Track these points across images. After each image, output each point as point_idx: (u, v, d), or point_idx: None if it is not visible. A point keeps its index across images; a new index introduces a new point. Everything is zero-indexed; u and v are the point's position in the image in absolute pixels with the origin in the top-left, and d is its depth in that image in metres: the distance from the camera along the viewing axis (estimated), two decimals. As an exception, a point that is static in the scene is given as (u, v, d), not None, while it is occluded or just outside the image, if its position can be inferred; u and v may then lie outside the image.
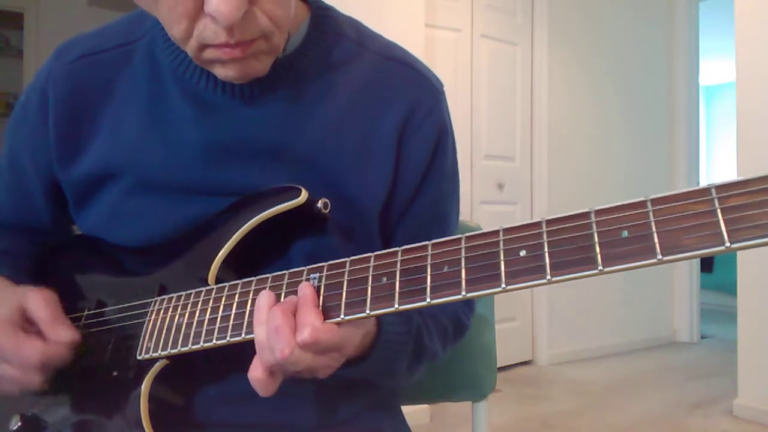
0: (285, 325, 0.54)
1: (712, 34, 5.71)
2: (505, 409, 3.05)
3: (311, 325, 0.54)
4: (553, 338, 3.97)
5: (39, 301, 0.66)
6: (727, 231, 0.39)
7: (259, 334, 0.55)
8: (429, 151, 0.75)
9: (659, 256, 0.40)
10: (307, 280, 0.58)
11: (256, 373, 0.56)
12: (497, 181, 3.77)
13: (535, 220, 0.47)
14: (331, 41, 0.75)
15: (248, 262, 0.69)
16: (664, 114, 4.57)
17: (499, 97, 3.78)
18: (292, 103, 0.72)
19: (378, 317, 0.61)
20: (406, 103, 0.74)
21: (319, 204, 0.66)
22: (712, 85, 8.44)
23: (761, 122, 2.84)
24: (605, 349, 4.16)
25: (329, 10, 0.77)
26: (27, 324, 0.66)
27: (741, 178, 0.39)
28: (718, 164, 8.48)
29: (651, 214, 0.42)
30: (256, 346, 0.56)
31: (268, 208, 0.66)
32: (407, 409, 0.85)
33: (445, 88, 0.81)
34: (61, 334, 0.65)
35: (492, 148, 3.75)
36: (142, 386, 0.64)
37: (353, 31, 0.78)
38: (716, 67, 7.63)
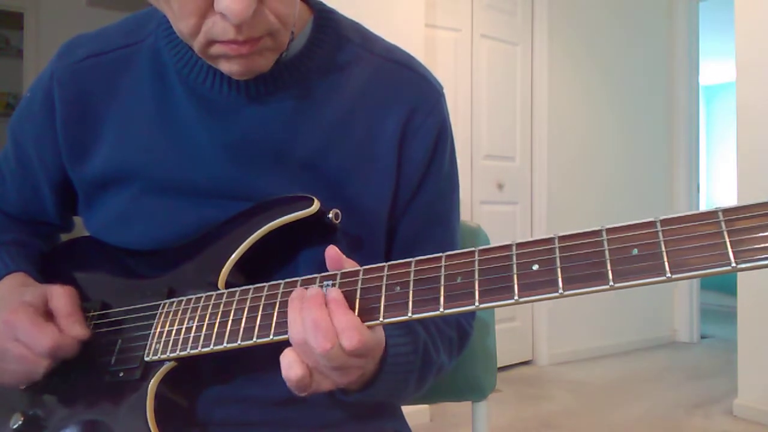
0: (322, 319, 0.54)
1: (712, 34, 5.71)
2: (505, 409, 3.05)
3: (356, 327, 0.54)
4: (553, 338, 3.97)
5: (61, 295, 0.69)
6: (733, 252, 0.41)
7: (296, 325, 0.56)
8: (428, 151, 0.76)
9: (668, 274, 0.42)
10: (320, 287, 0.58)
11: (296, 372, 0.56)
12: (497, 181, 3.78)
13: (548, 236, 0.48)
14: (335, 44, 0.75)
15: (257, 267, 0.70)
16: (664, 114, 4.58)
17: (499, 97, 3.78)
18: (296, 104, 0.72)
19: (385, 340, 0.62)
20: (407, 105, 0.75)
21: (330, 215, 0.67)
22: (712, 85, 8.43)
23: (761, 122, 2.84)
24: (605, 349, 4.17)
25: (332, 12, 0.78)
26: (46, 314, 0.68)
27: (746, 203, 0.41)
28: (718, 164, 8.47)
29: (660, 234, 0.44)
30: (293, 339, 0.56)
31: (280, 216, 0.67)
32: (407, 409, 0.85)
33: (445, 89, 0.81)
34: (75, 329, 0.67)
35: (492, 148, 3.75)
36: (149, 387, 0.65)
37: (356, 34, 0.78)
38: (716, 67, 7.62)
